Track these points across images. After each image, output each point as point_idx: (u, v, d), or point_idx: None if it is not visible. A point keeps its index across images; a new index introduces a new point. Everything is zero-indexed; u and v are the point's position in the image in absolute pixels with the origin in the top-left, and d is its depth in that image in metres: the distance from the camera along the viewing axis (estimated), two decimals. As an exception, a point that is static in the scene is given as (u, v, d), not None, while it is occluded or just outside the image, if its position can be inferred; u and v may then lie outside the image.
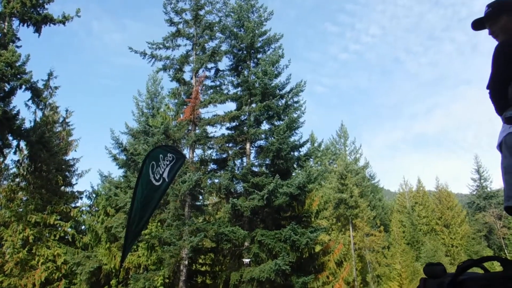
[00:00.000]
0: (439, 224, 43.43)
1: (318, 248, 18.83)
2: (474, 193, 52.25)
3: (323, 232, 18.12)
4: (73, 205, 21.88)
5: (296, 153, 18.18)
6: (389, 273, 31.74)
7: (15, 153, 19.74)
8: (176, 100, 18.89)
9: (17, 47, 18.01)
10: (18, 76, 17.48)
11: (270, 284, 15.16)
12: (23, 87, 18.01)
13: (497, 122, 2.17)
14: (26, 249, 18.98)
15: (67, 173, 22.59)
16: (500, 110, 2.14)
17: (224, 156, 18.28)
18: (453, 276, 1.15)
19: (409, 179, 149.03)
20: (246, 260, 15.53)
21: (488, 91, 2.22)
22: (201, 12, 18.91)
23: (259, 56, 19.27)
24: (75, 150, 23.79)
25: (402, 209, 46.18)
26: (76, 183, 38.95)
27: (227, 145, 18.11)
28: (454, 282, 1.13)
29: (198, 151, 18.32)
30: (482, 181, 51.33)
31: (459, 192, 68.88)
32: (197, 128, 17.74)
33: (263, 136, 17.85)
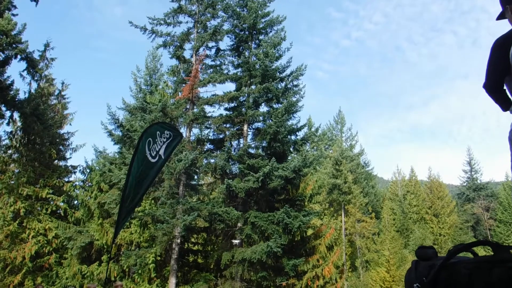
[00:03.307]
0: (429, 213, 43.98)
1: (310, 232, 18.99)
2: (465, 184, 52.99)
3: (315, 216, 18.25)
4: (66, 179, 21.70)
5: (293, 137, 18.13)
6: (377, 259, 32.19)
7: (8, 124, 19.37)
8: (175, 78, 18.62)
9: (13, 15, 17.45)
10: (14, 46, 17.04)
11: (261, 265, 15.30)
12: (19, 57, 17.59)
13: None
14: (17, 222, 18.89)
15: (61, 147, 22.32)
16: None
17: (221, 136, 18.18)
18: (444, 259, 1.18)
19: (403, 168, 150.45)
20: (236, 241, 15.64)
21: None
22: (204, -11, 18.46)
23: (261, 37, 18.96)
24: (70, 124, 23.43)
25: (394, 197, 46.69)
26: (70, 158, 38.56)
27: (224, 125, 17.98)
28: (445, 265, 1.17)
29: (195, 130, 18.22)
30: (473, 173, 52.06)
31: (450, 183, 69.65)
32: (195, 107, 17.55)
33: (261, 118, 17.75)
